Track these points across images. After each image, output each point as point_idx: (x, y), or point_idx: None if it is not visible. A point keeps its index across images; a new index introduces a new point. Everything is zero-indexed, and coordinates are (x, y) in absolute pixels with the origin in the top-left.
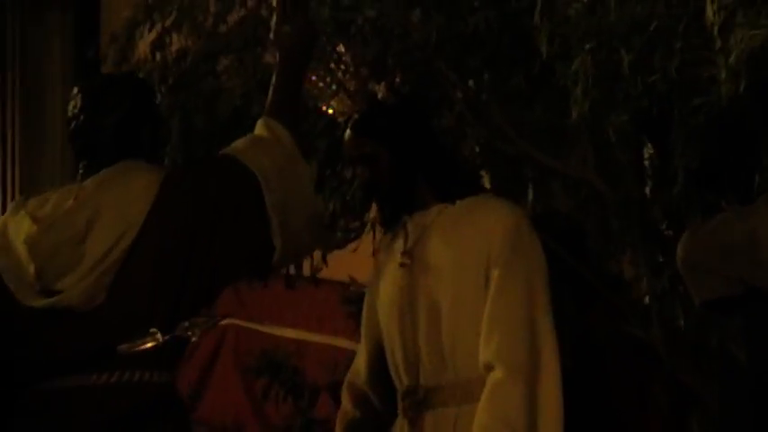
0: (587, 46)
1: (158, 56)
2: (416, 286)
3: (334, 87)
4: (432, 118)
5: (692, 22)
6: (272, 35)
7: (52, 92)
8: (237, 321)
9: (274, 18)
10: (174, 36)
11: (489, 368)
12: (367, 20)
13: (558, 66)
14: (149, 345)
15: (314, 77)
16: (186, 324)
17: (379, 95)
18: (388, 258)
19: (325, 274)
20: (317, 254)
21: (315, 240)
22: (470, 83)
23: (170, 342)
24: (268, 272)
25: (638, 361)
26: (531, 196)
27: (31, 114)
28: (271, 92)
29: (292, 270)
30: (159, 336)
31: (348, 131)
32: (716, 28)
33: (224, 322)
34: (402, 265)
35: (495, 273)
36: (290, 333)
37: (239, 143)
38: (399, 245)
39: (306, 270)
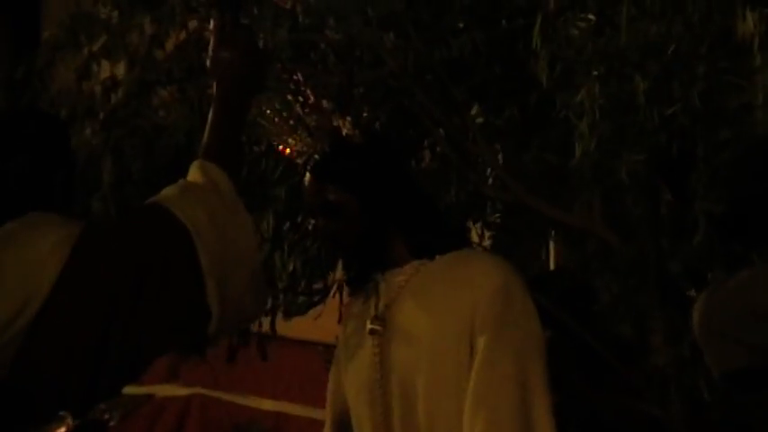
0: (594, 72)
1: (84, 86)
2: (389, 358)
3: (291, 123)
4: (408, 160)
5: (717, 42)
6: (208, 62)
7: None
8: (204, 391)
9: (211, 42)
10: (104, 62)
11: None
12: (330, 43)
13: (559, 96)
14: (60, 430)
15: (268, 111)
16: (103, 406)
17: (344, 132)
18: (357, 324)
19: (310, 335)
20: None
21: (258, 304)
22: (455, 118)
23: (84, 427)
24: (204, 343)
25: None
26: (525, 252)
27: None
28: (207, 130)
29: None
30: (70, 420)
31: (308, 175)
32: (756, 43)
33: (189, 392)
34: (372, 332)
35: (480, 342)
36: (267, 404)
37: (169, 190)
38: (369, 309)
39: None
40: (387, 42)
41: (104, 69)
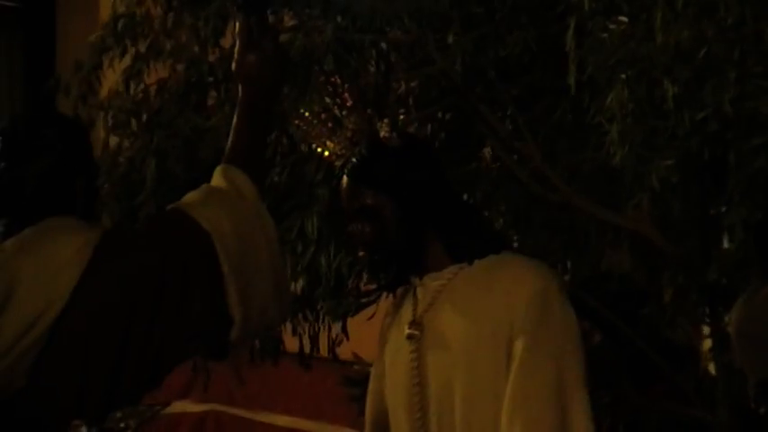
0: (623, 76)
1: (133, 88)
2: (426, 363)
3: (330, 125)
4: (468, 161)
5: (751, 47)
6: (233, 65)
7: None
8: (219, 407)
9: (237, 46)
10: (153, 64)
11: None
12: (376, 44)
13: (587, 100)
14: None
15: (307, 113)
16: (119, 414)
17: (381, 135)
18: (395, 329)
19: (325, 351)
20: (336, 325)
21: (282, 313)
22: (506, 119)
23: None
24: (226, 350)
25: None
26: (578, 253)
27: None
28: (231, 134)
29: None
30: (84, 429)
31: (344, 179)
32: None
33: (204, 408)
34: (410, 336)
35: (518, 347)
36: (283, 421)
37: (192, 195)
38: (408, 313)
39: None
40: (431, 42)
41: (155, 71)
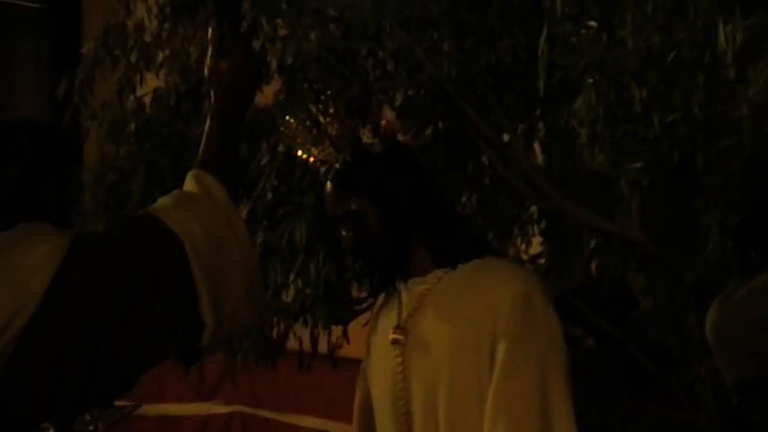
0: (590, 80)
1: (125, 99)
2: (411, 368)
3: (314, 132)
4: (461, 168)
5: (720, 50)
6: (206, 72)
7: None
8: (246, 408)
9: (209, 52)
10: (145, 74)
11: None
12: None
13: (558, 104)
14: None
15: (291, 120)
16: (87, 417)
17: (364, 141)
18: (381, 334)
19: (350, 352)
20: (338, 329)
21: (255, 317)
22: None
23: None
24: (198, 355)
25: None
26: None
27: None
28: (204, 140)
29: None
30: None
31: (328, 185)
32: (729, 56)
33: (229, 410)
34: (394, 341)
35: (500, 350)
36: (309, 422)
37: (163, 200)
38: (392, 318)
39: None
40: (419, 50)
41: (147, 82)
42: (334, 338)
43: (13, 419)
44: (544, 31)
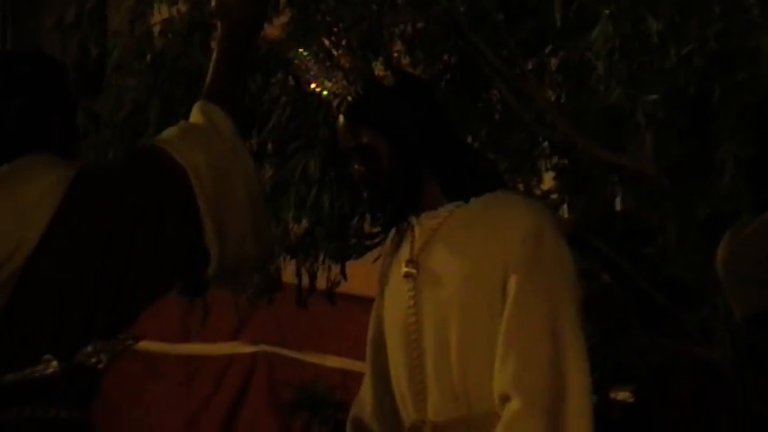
0: (606, 11)
1: (136, 29)
2: (423, 302)
3: (327, 65)
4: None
5: None
6: (213, 4)
7: None
8: (271, 348)
9: None
10: (157, 6)
11: (505, 399)
12: None
13: (573, 36)
14: (45, 373)
15: (305, 53)
16: (89, 349)
17: (377, 74)
18: (394, 268)
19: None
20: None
21: (262, 250)
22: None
23: (72, 371)
24: (203, 287)
25: (706, 387)
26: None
27: None
28: (211, 71)
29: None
30: (54, 363)
31: (341, 118)
32: None
33: (254, 349)
34: (407, 275)
35: (512, 284)
36: (333, 362)
37: (169, 132)
38: (405, 252)
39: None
40: None
41: (158, 13)
42: (332, 275)
43: (16, 351)
44: None
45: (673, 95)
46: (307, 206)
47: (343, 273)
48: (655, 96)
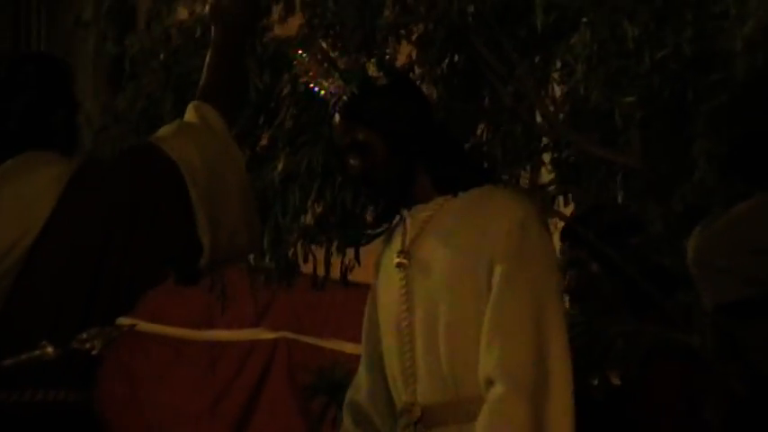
0: (584, 19)
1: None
2: (414, 290)
3: (325, 65)
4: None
5: None
6: (207, 8)
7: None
8: (291, 334)
9: None
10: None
11: (489, 383)
12: None
13: (553, 41)
14: (42, 358)
15: (304, 54)
16: (84, 335)
17: (370, 74)
18: (388, 257)
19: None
20: (350, 251)
21: (252, 240)
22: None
23: (68, 356)
24: (197, 276)
25: (689, 370)
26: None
27: None
28: (205, 72)
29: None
30: (50, 348)
31: (336, 116)
32: None
33: (275, 335)
34: (399, 265)
35: (497, 273)
36: (350, 348)
37: (165, 129)
38: (398, 242)
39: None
40: None
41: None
42: (347, 261)
43: (18, 337)
44: None
45: (649, 97)
46: (311, 198)
47: (357, 257)
48: (631, 98)
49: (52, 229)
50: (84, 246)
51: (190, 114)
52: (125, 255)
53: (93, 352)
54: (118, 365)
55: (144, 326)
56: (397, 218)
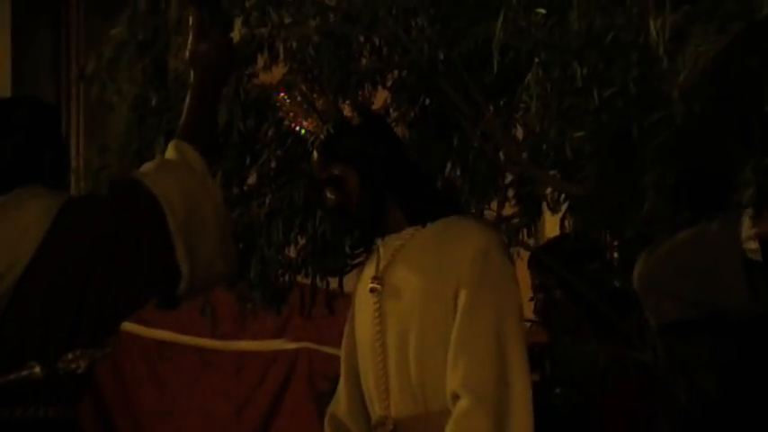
0: (536, 60)
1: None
2: (387, 312)
3: (305, 107)
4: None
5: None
6: (186, 54)
7: None
8: (310, 345)
9: (190, 36)
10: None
11: (455, 397)
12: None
13: (510, 80)
14: (29, 378)
15: (286, 97)
16: (70, 356)
17: (345, 114)
18: (363, 283)
19: None
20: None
21: (229, 269)
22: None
23: (55, 376)
24: (176, 301)
25: (644, 386)
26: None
27: None
28: (184, 112)
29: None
30: (38, 368)
31: (315, 153)
32: (661, 48)
33: (296, 346)
34: (372, 290)
35: (462, 297)
36: None
37: (146, 166)
38: (371, 269)
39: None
40: (403, 36)
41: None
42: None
43: (7, 358)
44: (500, 18)
45: (598, 132)
46: (293, 232)
47: (340, 286)
48: (581, 133)
49: (41, 258)
50: (70, 274)
51: (170, 152)
52: (109, 281)
53: (79, 371)
54: (151, 374)
55: (176, 337)
56: (369, 247)
